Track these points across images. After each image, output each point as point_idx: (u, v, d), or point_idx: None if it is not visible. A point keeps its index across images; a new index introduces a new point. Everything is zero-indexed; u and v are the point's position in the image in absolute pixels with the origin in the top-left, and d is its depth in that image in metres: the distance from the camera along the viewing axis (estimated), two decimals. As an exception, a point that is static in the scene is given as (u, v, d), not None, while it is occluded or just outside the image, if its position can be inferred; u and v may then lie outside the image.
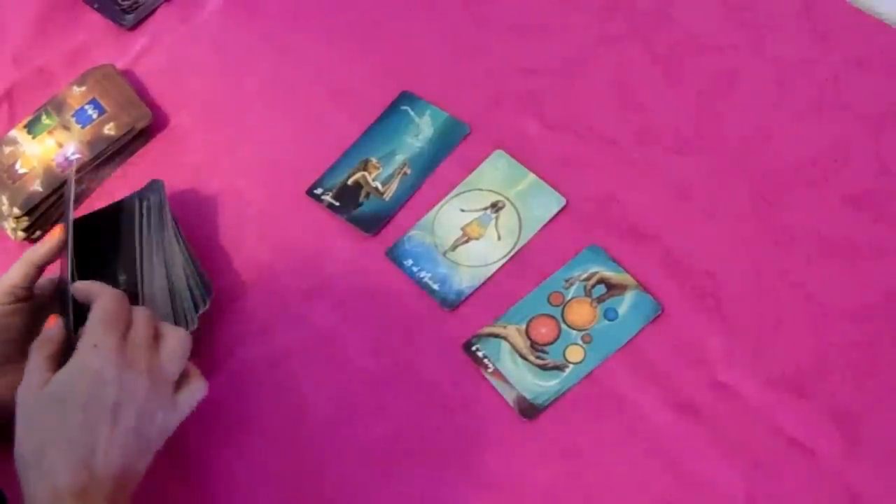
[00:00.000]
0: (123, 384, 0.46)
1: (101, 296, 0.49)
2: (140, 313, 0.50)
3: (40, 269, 0.55)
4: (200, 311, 0.57)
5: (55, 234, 0.56)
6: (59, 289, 0.55)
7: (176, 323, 0.57)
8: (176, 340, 0.50)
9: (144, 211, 0.62)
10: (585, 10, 0.68)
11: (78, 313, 0.51)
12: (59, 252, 0.55)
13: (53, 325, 0.51)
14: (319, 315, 0.60)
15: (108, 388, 0.46)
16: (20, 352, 0.52)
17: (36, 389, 0.46)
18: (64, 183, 0.67)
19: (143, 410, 0.46)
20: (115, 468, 0.45)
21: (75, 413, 0.45)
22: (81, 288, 0.51)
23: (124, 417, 0.46)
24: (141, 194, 0.63)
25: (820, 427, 0.50)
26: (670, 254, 0.57)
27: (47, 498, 0.43)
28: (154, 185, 0.63)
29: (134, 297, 0.57)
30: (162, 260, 0.59)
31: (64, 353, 0.49)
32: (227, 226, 0.65)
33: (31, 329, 0.55)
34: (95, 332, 0.47)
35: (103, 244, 0.61)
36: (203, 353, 0.59)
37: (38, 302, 0.56)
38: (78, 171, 0.68)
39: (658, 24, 0.66)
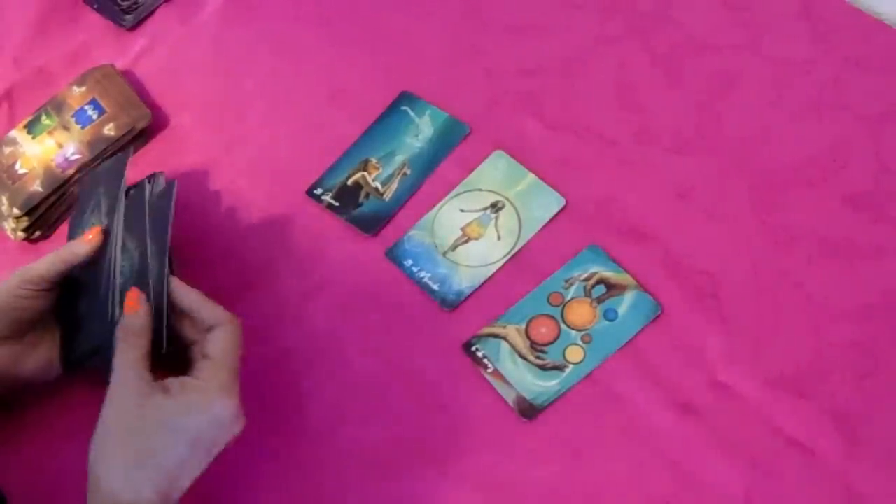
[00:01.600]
0: (231, 429, 0.47)
1: (228, 325, 0.49)
2: (232, 333, 0.50)
3: (73, 266, 0.55)
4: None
5: (95, 237, 0.55)
6: (137, 273, 0.55)
7: None
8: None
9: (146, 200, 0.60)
10: (585, 10, 0.68)
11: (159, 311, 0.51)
12: (95, 254, 0.55)
13: (140, 311, 0.50)
14: (319, 315, 0.60)
15: (219, 433, 0.46)
16: (29, 330, 0.54)
17: (138, 398, 0.46)
18: (64, 183, 0.67)
19: (224, 435, 0.47)
20: (177, 490, 0.45)
21: (181, 447, 0.45)
22: (206, 308, 0.50)
23: (203, 444, 0.46)
24: (150, 181, 0.61)
25: (820, 427, 0.50)
26: (670, 254, 0.57)
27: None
28: (161, 180, 0.61)
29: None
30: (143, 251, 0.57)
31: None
32: (226, 226, 0.65)
33: (46, 312, 0.55)
34: (224, 369, 0.48)
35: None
36: (203, 353, 0.59)
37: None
38: (78, 171, 0.68)
39: (658, 25, 0.66)
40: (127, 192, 0.59)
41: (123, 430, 0.45)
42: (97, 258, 0.55)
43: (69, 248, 0.55)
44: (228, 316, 0.50)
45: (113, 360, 0.48)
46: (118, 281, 0.54)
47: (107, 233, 0.56)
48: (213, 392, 0.47)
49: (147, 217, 0.56)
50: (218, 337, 0.49)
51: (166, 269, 0.52)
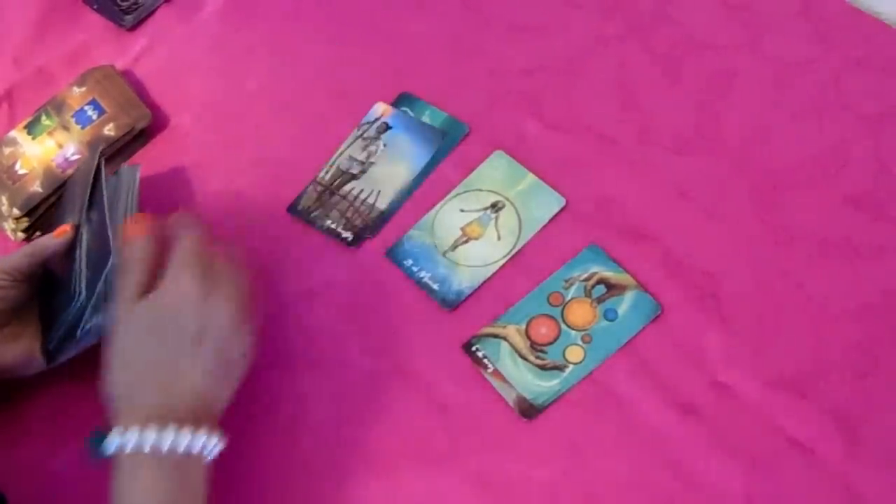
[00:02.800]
0: (206, 310, 0.48)
1: (185, 229, 0.51)
2: (221, 248, 0.52)
3: (45, 260, 0.57)
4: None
5: (63, 232, 0.57)
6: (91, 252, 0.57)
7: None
8: (245, 273, 0.52)
9: (114, 188, 0.61)
10: (585, 10, 0.68)
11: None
12: (65, 249, 0.57)
13: (141, 238, 0.51)
14: (319, 315, 0.60)
15: (190, 315, 0.47)
16: (8, 322, 0.56)
17: (124, 316, 0.48)
18: (64, 183, 0.67)
19: (227, 335, 0.48)
20: (200, 390, 0.47)
21: (161, 339, 0.47)
22: (172, 219, 0.52)
23: (207, 342, 0.47)
24: (115, 174, 0.63)
25: (820, 427, 0.50)
26: (670, 254, 0.57)
27: (136, 420, 0.44)
28: (126, 170, 0.62)
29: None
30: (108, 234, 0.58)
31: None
32: (226, 226, 0.65)
33: (26, 300, 0.57)
34: (181, 260, 0.49)
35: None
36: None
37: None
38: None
39: (658, 24, 0.66)
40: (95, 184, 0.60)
41: (116, 355, 0.47)
42: (70, 253, 0.57)
43: (40, 242, 0.57)
44: (187, 221, 0.52)
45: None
46: (83, 262, 0.56)
47: (77, 228, 0.58)
48: (172, 280, 0.48)
49: (105, 199, 0.58)
50: (179, 240, 0.51)
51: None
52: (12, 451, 0.59)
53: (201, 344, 0.47)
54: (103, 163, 0.60)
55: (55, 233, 0.57)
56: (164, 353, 0.47)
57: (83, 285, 0.55)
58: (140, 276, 0.49)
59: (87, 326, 0.54)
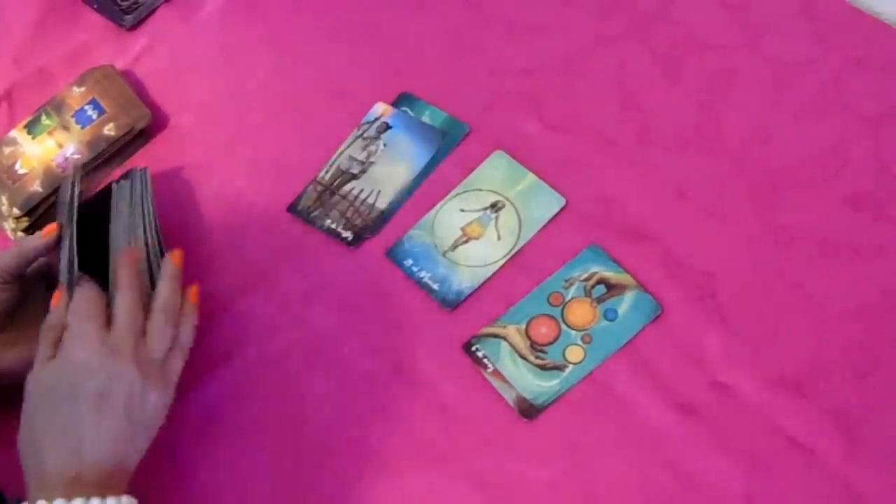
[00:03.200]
0: (108, 372, 0.47)
1: (78, 290, 0.51)
2: (123, 299, 0.51)
3: (31, 259, 0.57)
4: None
5: (51, 231, 0.57)
6: (66, 271, 0.56)
7: None
8: (161, 317, 0.52)
9: (125, 194, 0.61)
10: (585, 10, 0.68)
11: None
12: (51, 248, 0.57)
13: (59, 306, 0.52)
14: (319, 315, 0.60)
15: (92, 378, 0.47)
16: (8, 323, 0.56)
17: (32, 379, 0.48)
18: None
19: (132, 395, 0.47)
20: (105, 455, 0.46)
21: (62, 403, 0.46)
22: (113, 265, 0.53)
23: (111, 405, 0.47)
24: (123, 178, 0.62)
25: (820, 427, 0.50)
26: (670, 254, 0.57)
27: (40, 486, 0.44)
28: (135, 173, 0.62)
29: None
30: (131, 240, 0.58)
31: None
32: (226, 226, 0.65)
33: (18, 302, 0.57)
34: (76, 324, 0.49)
35: (96, 230, 0.61)
36: (203, 353, 0.59)
37: (28, 278, 0.58)
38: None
39: (658, 24, 0.66)
40: (98, 196, 0.61)
41: (24, 415, 0.47)
42: (59, 256, 0.57)
43: (27, 241, 0.57)
44: (83, 281, 0.52)
45: None
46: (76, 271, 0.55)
47: (61, 227, 0.57)
48: (71, 343, 0.48)
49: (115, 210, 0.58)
50: (73, 299, 0.51)
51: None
52: (12, 450, 0.58)
53: (103, 409, 0.46)
54: (78, 178, 0.60)
55: (42, 232, 0.57)
56: (67, 417, 0.46)
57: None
58: (56, 333, 0.49)
59: None
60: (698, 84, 0.63)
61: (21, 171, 0.68)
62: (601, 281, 0.56)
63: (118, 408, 0.47)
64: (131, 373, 0.48)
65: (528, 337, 0.56)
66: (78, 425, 0.46)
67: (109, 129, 0.69)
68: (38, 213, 0.67)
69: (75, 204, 0.57)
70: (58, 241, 0.57)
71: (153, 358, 0.50)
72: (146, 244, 0.57)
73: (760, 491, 0.49)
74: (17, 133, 0.70)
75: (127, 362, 0.48)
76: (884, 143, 0.58)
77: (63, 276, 0.55)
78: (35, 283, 0.59)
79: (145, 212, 0.59)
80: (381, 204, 0.63)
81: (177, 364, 0.52)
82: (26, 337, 0.57)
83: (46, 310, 0.59)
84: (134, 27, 0.77)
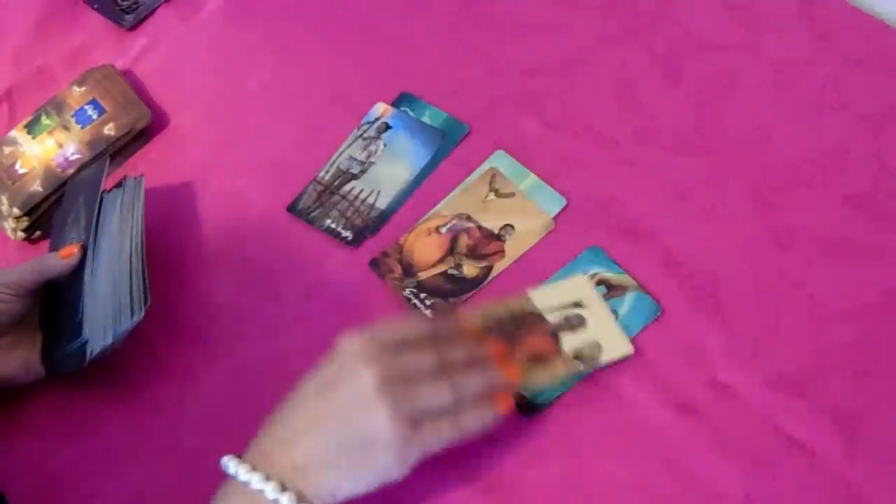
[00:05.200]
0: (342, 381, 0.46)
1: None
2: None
3: (50, 278, 0.57)
4: (135, 320, 0.54)
5: (70, 253, 0.57)
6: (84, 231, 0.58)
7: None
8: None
9: (115, 206, 0.61)
10: (585, 10, 0.68)
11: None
12: (71, 270, 0.57)
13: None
14: (319, 315, 0.60)
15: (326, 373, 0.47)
16: (7, 332, 0.56)
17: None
18: (64, 183, 0.67)
19: (353, 404, 0.45)
20: (309, 452, 0.45)
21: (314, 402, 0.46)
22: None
23: (326, 401, 0.46)
24: (117, 186, 0.63)
25: (820, 427, 0.50)
26: (670, 254, 0.57)
27: (249, 460, 0.46)
28: (128, 182, 0.63)
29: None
30: (117, 254, 0.58)
31: None
32: (226, 226, 0.65)
33: (23, 315, 0.57)
34: (371, 352, 0.45)
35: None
36: (203, 353, 0.59)
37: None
38: (78, 171, 0.68)
39: (658, 24, 0.66)
40: (101, 201, 0.61)
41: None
42: (76, 271, 0.57)
43: (46, 261, 0.57)
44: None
45: None
46: (88, 285, 0.56)
47: (84, 249, 0.58)
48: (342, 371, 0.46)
49: (116, 219, 0.59)
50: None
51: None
52: (12, 451, 0.59)
53: (321, 398, 0.45)
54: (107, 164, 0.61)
55: (62, 253, 0.57)
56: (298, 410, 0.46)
57: (89, 311, 0.55)
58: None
59: (94, 351, 0.54)
60: (698, 84, 0.63)
61: (21, 171, 0.68)
62: (602, 281, 0.56)
63: (337, 407, 0.45)
64: (370, 385, 0.44)
65: (529, 337, 0.56)
66: (297, 413, 0.45)
67: (109, 129, 0.69)
68: (38, 212, 0.67)
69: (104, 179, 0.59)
70: (81, 261, 0.58)
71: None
72: (129, 261, 0.57)
73: (760, 491, 0.49)
74: (18, 133, 0.70)
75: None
76: (884, 143, 0.58)
77: (78, 236, 0.58)
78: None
79: (133, 230, 0.58)
80: (381, 204, 0.63)
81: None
82: (27, 341, 0.58)
83: (44, 310, 0.59)
84: (134, 27, 0.77)
